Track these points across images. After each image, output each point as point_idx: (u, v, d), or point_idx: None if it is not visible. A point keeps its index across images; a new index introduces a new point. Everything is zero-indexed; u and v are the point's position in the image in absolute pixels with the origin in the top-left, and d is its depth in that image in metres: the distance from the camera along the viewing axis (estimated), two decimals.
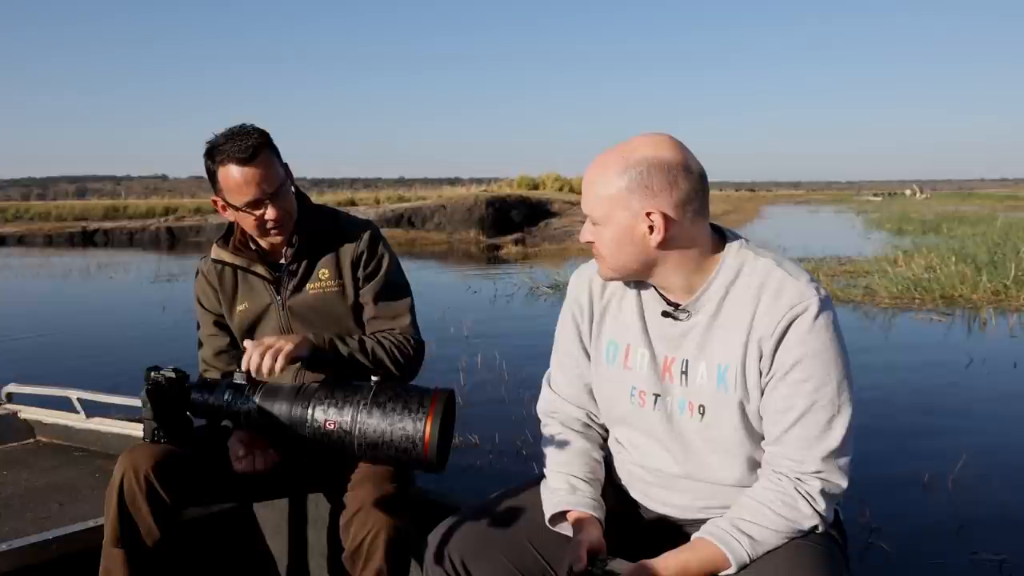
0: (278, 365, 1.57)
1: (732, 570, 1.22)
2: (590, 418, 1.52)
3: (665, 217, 1.25)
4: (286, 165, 1.80)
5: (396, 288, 1.89)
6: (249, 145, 1.68)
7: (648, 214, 1.25)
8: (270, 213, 1.72)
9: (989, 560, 2.74)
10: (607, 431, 1.53)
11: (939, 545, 2.89)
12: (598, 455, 1.49)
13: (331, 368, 1.70)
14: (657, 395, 1.36)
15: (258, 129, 1.73)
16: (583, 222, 1.36)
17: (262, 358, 1.56)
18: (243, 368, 1.55)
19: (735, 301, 1.28)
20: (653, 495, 1.44)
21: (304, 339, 1.68)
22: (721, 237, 1.35)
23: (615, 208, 1.27)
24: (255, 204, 1.71)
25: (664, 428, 1.37)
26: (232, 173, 1.69)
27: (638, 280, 1.37)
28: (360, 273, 1.85)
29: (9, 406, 2.94)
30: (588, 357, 1.48)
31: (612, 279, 1.39)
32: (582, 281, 1.48)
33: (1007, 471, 3.59)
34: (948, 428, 4.34)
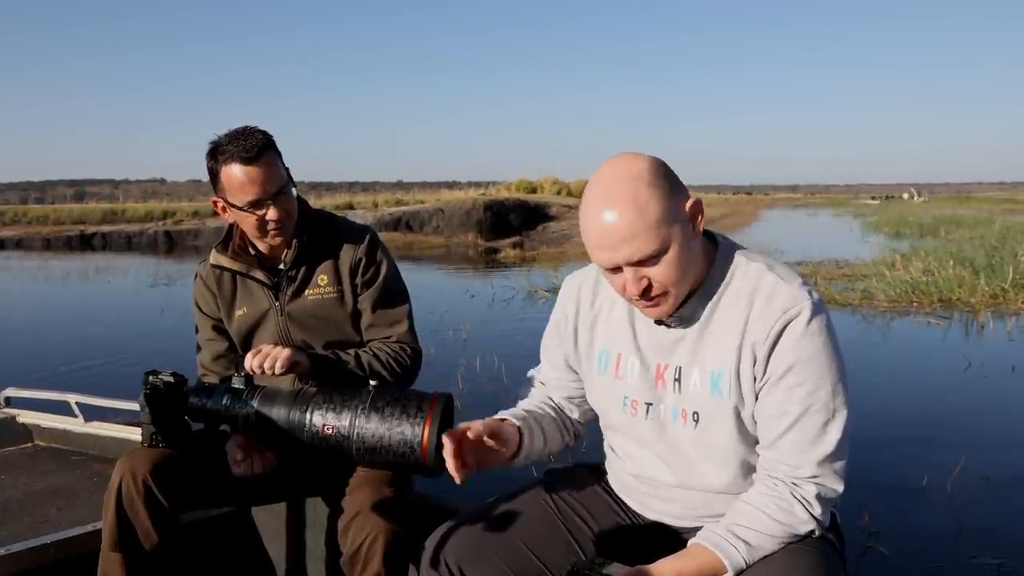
0: (279, 364, 1.60)
1: (728, 575, 1.22)
2: (565, 400, 1.56)
3: (695, 201, 1.23)
4: (287, 169, 1.81)
5: (394, 294, 1.89)
6: (253, 144, 1.69)
7: (693, 203, 1.23)
8: (271, 214, 1.73)
9: (988, 563, 2.74)
10: (578, 427, 1.59)
11: (938, 548, 2.89)
12: (548, 417, 1.53)
13: (329, 380, 1.71)
14: (649, 404, 1.36)
15: (261, 130, 1.75)
16: (618, 271, 1.24)
17: (264, 359, 1.60)
18: (244, 368, 1.57)
19: (727, 307, 1.28)
20: (648, 505, 1.44)
21: (303, 351, 1.72)
22: (712, 243, 1.34)
23: (667, 226, 1.19)
24: (257, 204, 1.72)
25: (657, 437, 1.37)
26: (235, 172, 1.70)
27: None
28: (359, 279, 1.85)
29: (7, 410, 2.94)
30: (570, 368, 1.50)
31: (677, 312, 1.29)
32: (570, 291, 1.48)
33: (1006, 474, 3.59)
34: (947, 431, 4.33)
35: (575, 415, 1.57)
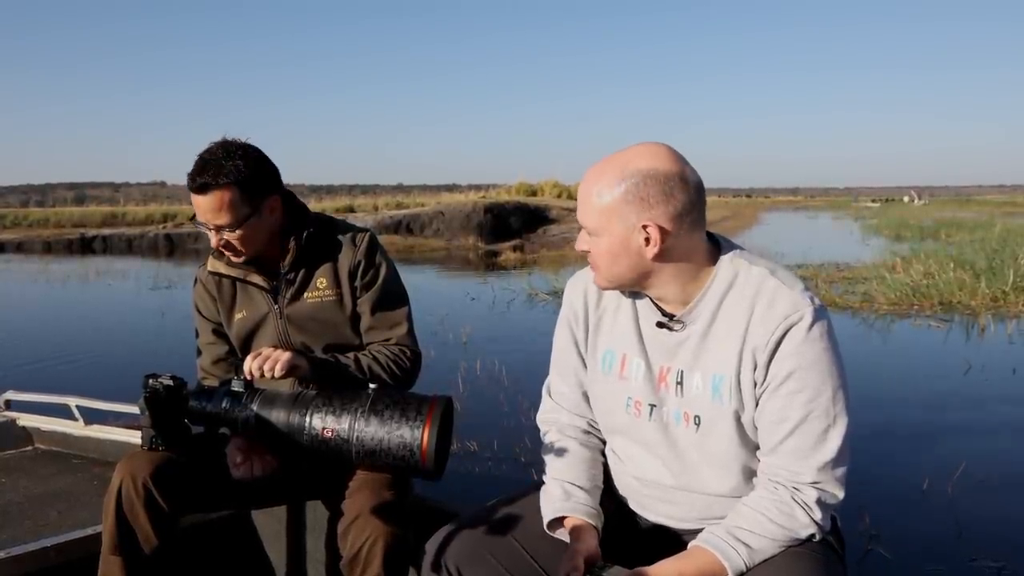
0: (278, 368, 1.61)
1: None
2: (590, 426, 1.52)
3: (661, 229, 1.24)
4: (288, 194, 1.82)
5: (393, 297, 1.89)
6: (203, 182, 1.67)
7: (644, 226, 1.24)
8: (213, 240, 1.75)
9: (988, 567, 2.74)
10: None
11: (938, 551, 2.89)
12: (598, 462, 1.49)
13: (328, 383, 1.72)
14: (653, 406, 1.36)
15: (233, 163, 1.68)
16: (581, 229, 1.35)
17: (263, 362, 1.61)
18: (244, 371, 1.57)
19: (729, 311, 1.28)
20: (650, 507, 1.44)
21: (303, 354, 1.72)
22: (716, 246, 1.34)
23: (610, 219, 1.26)
24: (203, 225, 1.74)
25: (659, 439, 1.37)
26: (191, 193, 1.72)
27: (633, 290, 1.37)
28: (358, 282, 1.85)
29: (8, 413, 2.95)
30: (585, 365, 1.48)
31: (608, 289, 1.39)
32: (577, 289, 1.48)
33: (1007, 477, 3.59)
34: (947, 435, 4.33)
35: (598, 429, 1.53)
